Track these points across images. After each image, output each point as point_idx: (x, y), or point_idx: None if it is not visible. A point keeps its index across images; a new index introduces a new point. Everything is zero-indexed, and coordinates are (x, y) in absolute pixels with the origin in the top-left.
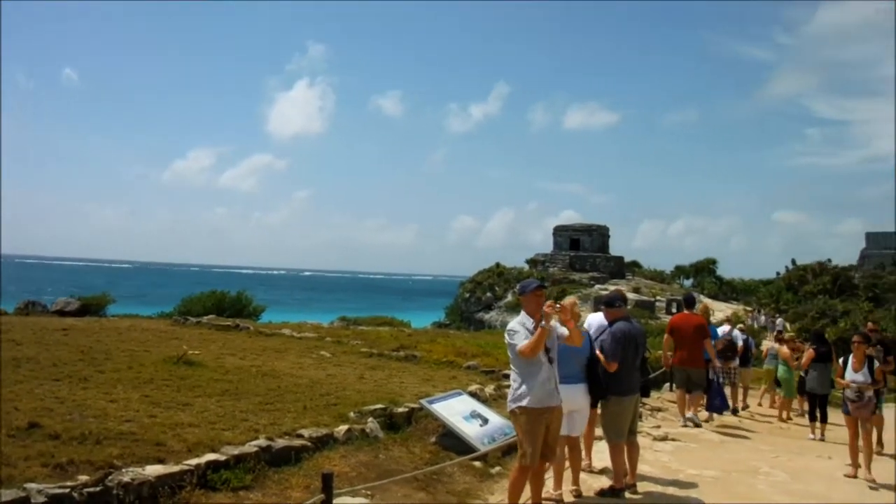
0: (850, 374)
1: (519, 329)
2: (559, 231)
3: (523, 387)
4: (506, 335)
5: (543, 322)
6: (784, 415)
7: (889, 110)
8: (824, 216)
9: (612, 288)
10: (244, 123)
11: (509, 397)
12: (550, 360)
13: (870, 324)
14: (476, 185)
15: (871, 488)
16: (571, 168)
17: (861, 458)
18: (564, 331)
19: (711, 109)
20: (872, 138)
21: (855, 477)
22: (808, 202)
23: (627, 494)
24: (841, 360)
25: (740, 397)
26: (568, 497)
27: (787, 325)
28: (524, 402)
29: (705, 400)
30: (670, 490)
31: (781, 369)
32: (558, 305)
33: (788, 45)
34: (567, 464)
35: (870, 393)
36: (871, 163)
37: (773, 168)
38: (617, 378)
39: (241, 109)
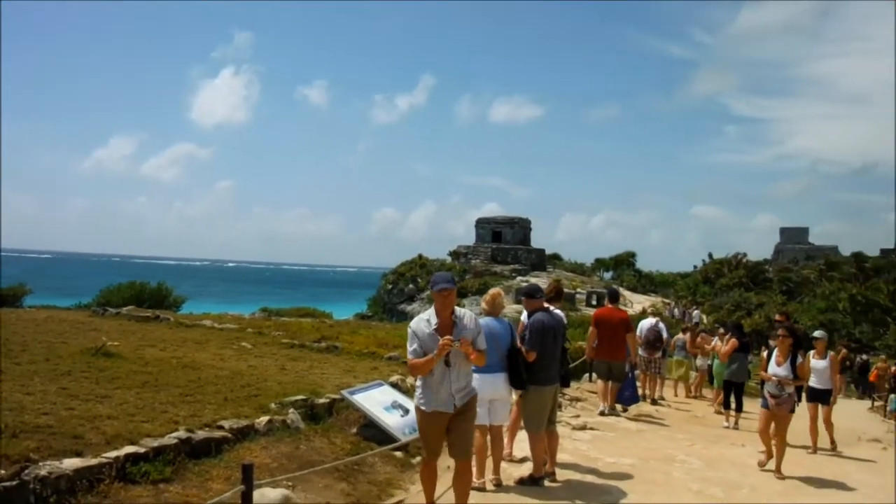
0: (772, 368)
1: (418, 333)
2: (481, 223)
3: (419, 388)
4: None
5: (435, 352)
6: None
7: (803, 109)
8: (740, 211)
9: (533, 280)
10: (167, 111)
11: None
12: (448, 363)
13: (778, 315)
14: (400, 176)
15: (778, 478)
16: (495, 161)
17: (775, 453)
18: (480, 345)
19: (634, 106)
20: (787, 136)
21: (766, 465)
22: (725, 197)
23: (547, 483)
24: (765, 353)
25: (658, 387)
26: (489, 486)
27: (704, 317)
28: (419, 403)
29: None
30: (588, 478)
31: (716, 363)
32: (457, 343)
33: (710, 44)
34: (488, 453)
35: (790, 389)
36: (785, 160)
37: (692, 164)
38: (537, 368)
39: (165, 97)
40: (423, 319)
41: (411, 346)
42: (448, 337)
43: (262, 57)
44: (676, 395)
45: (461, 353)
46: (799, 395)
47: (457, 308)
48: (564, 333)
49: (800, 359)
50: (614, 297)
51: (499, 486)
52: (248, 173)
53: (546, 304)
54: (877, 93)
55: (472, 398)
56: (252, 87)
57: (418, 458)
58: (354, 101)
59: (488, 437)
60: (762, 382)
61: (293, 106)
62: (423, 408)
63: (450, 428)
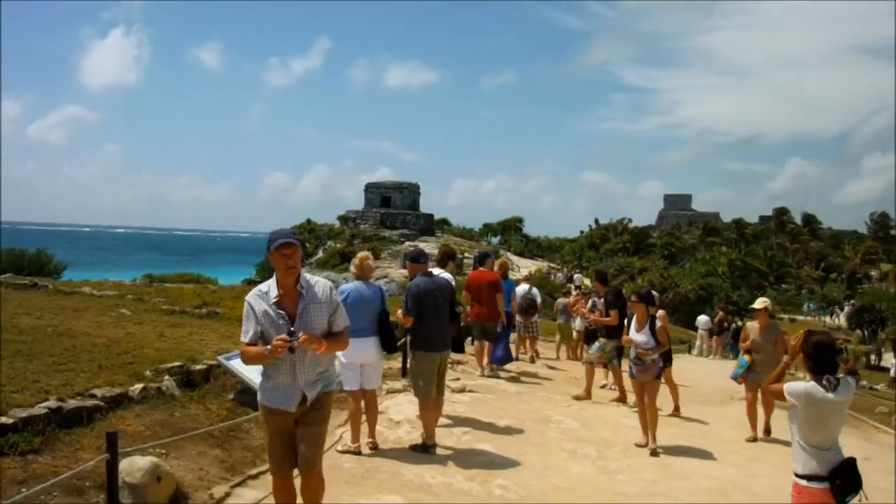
0: (632, 334)
1: (255, 309)
2: (371, 188)
3: (264, 377)
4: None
5: (269, 348)
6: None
7: (690, 80)
8: (628, 178)
9: (422, 245)
10: (55, 73)
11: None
12: (292, 349)
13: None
14: (292, 141)
15: (652, 455)
16: (388, 126)
17: (648, 422)
18: (340, 325)
19: (529, 74)
20: (675, 106)
21: (646, 446)
22: (614, 165)
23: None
24: (626, 321)
25: (530, 345)
26: (365, 450)
27: (586, 281)
28: (259, 396)
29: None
30: (464, 440)
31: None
32: (296, 342)
33: (605, 15)
34: (363, 418)
35: (654, 356)
36: (671, 129)
37: (582, 131)
38: (419, 333)
39: (52, 58)
40: (261, 292)
41: (246, 327)
42: (282, 337)
43: (154, 18)
44: (558, 358)
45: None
46: (668, 360)
47: (306, 275)
48: (451, 297)
49: (658, 323)
50: (482, 261)
51: (375, 448)
52: (138, 137)
53: (434, 269)
54: (761, 66)
55: (328, 395)
56: (143, 49)
57: None
58: (248, 64)
59: (361, 402)
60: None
61: (185, 68)
62: (263, 402)
63: (299, 431)
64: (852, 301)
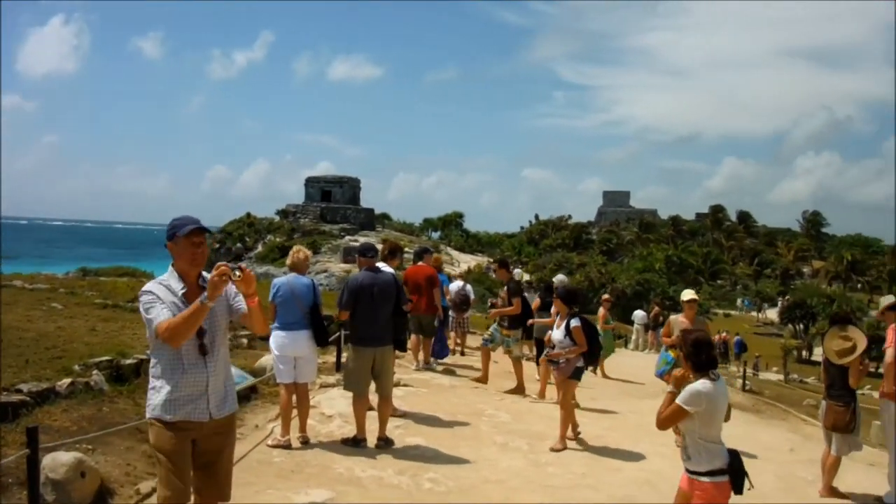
0: (553, 332)
1: (159, 295)
2: (311, 182)
3: (161, 384)
4: (140, 304)
5: (206, 295)
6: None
7: (630, 79)
8: (568, 174)
9: (362, 240)
10: None
11: (147, 401)
12: (204, 351)
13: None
14: (234, 134)
15: (552, 451)
16: (331, 120)
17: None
18: (242, 306)
19: (472, 70)
20: (614, 104)
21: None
22: (555, 161)
23: (370, 446)
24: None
25: (464, 342)
26: (295, 443)
27: (526, 276)
28: (154, 413)
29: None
30: (396, 433)
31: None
32: (238, 272)
33: (548, 12)
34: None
35: (570, 356)
36: (611, 127)
37: (524, 128)
38: (353, 328)
39: None
40: (160, 285)
41: (157, 309)
42: (224, 263)
43: (94, 5)
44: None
45: (221, 332)
46: (594, 361)
47: (205, 273)
48: (394, 293)
49: (574, 322)
50: (420, 256)
51: (306, 443)
52: (77, 128)
53: (381, 263)
54: (699, 67)
55: (233, 416)
56: (83, 37)
57: None
58: (191, 55)
59: (293, 395)
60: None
61: (126, 58)
62: (164, 417)
63: (199, 460)
64: (786, 297)
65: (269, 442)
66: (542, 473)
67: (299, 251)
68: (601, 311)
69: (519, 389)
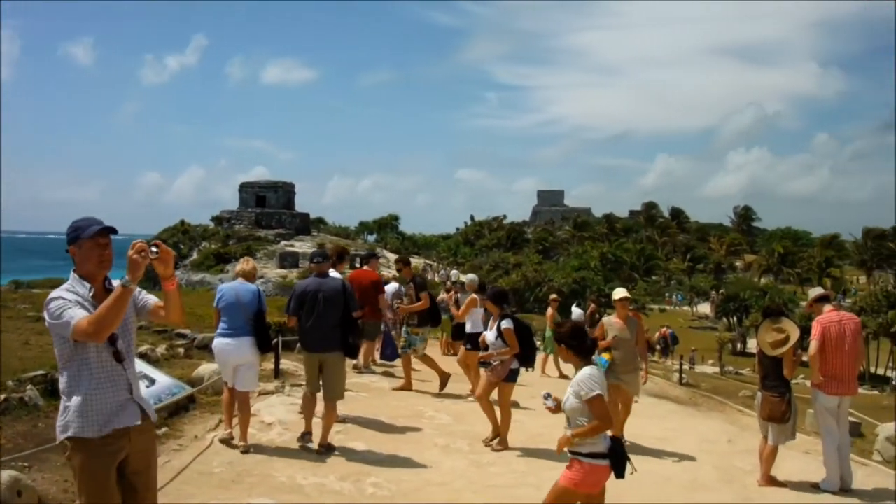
0: (486, 334)
1: (69, 299)
2: (245, 188)
3: (80, 400)
4: (45, 314)
5: (128, 276)
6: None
7: (563, 78)
8: (502, 175)
9: (298, 244)
10: None
11: (58, 421)
12: (120, 358)
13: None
14: (166, 140)
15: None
16: (264, 124)
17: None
18: (150, 301)
19: (406, 72)
20: (547, 103)
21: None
22: (489, 162)
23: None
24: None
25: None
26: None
27: (462, 277)
28: (80, 431)
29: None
30: (337, 438)
31: (547, 329)
32: (154, 248)
33: (480, 14)
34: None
35: (503, 358)
36: (544, 126)
37: (458, 129)
38: (300, 333)
39: None
40: (68, 292)
41: (71, 311)
42: (140, 241)
43: (21, 10)
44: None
45: (133, 336)
46: (529, 362)
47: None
48: (341, 299)
49: (505, 324)
50: (366, 260)
51: (246, 452)
52: (4, 136)
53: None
54: (630, 65)
55: (153, 425)
56: (11, 44)
57: (164, 430)
58: (122, 60)
59: (237, 402)
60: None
61: (56, 64)
62: (91, 434)
63: (128, 477)
64: (721, 291)
65: (219, 438)
66: (485, 474)
67: (248, 261)
68: (549, 310)
69: (407, 385)
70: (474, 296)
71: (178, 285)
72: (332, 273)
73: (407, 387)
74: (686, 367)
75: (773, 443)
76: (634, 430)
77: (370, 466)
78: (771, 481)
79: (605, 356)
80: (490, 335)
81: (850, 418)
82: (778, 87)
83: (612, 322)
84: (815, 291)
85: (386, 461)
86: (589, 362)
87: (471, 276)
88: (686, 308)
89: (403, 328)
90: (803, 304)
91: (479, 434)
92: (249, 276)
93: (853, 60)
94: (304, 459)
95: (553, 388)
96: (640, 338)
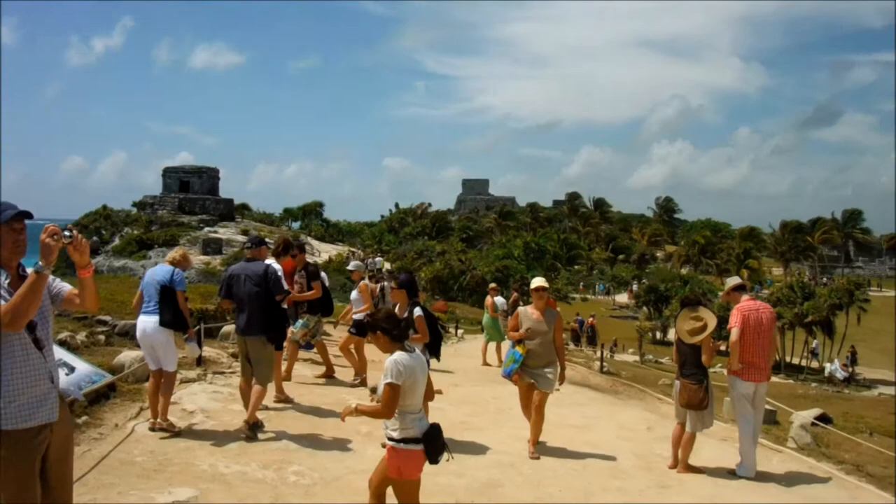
0: None
1: None
2: (169, 173)
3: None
4: None
5: (41, 262)
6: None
7: (491, 68)
8: (429, 163)
9: (221, 230)
10: None
11: None
12: (40, 345)
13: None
14: (90, 123)
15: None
16: (190, 109)
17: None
18: (64, 288)
19: (334, 59)
20: (474, 93)
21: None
22: (415, 150)
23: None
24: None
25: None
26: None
27: (387, 264)
28: (3, 423)
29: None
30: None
31: (486, 317)
32: (68, 234)
33: (417, 4)
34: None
35: (418, 346)
36: (471, 115)
37: (385, 117)
38: (237, 316)
39: None
40: None
41: None
42: (53, 225)
43: None
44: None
45: (50, 323)
46: (437, 351)
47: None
48: (268, 284)
49: (417, 311)
50: (286, 249)
51: (163, 429)
52: None
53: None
54: (557, 57)
55: (71, 415)
56: None
57: (84, 418)
58: (47, 41)
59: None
60: None
61: None
62: (14, 426)
63: (48, 467)
64: (643, 280)
65: (147, 428)
66: None
67: (178, 250)
68: (489, 298)
69: (329, 371)
70: (364, 283)
71: (94, 273)
72: (275, 264)
73: (329, 373)
74: (607, 355)
75: (691, 430)
76: (556, 418)
77: (292, 454)
78: (688, 468)
79: (519, 349)
80: None
81: (767, 406)
82: (702, 80)
83: (527, 313)
84: (732, 281)
85: (308, 449)
86: (399, 347)
87: (355, 262)
88: (608, 297)
89: (300, 322)
90: (721, 294)
91: None
92: (176, 265)
93: (775, 56)
94: (226, 447)
95: (477, 377)
96: (558, 330)
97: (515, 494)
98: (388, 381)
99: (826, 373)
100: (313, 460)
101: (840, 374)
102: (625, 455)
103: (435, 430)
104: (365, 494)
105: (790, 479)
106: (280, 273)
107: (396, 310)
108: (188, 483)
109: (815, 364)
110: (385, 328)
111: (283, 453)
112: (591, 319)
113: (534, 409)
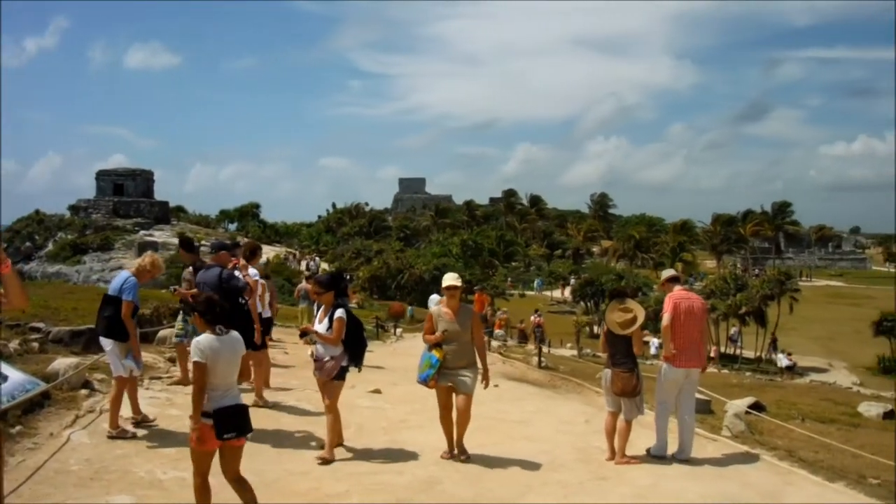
0: (316, 325)
1: None
2: (102, 176)
3: None
4: None
5: None
6: None
7: (426, 67)
8: (365, 163)
9: (157, 233)
10: None
11: None
12: None
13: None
14: (21, 126)
15: (323, 463)
16: (124, 111)
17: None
18: None
19: (270, 59)
20: (410, 91)
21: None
22: (351, 149)
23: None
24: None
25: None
26: (129, 426)
27: (324, 265)
28: None
29: None
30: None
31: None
32: None
33: (353, 3)
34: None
35: (335, 352)
36: (407, 114)
37: (320, 117)
38: None
39: None
40: None
41: None
42: None
43: None
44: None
45: None
46: (358, 360)
47: None
48: (223, 288)
49: (339, 313)
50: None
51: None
52: None
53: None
54: (492, 55)
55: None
56: None
57: (18, 428)
58: None
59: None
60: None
61: None
62: None
63: None
64: (582, 275)
65: (110, 433)
66: (346, 462)
67: (144, 257)
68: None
69: (183, 380)
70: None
71: (13, 268)
72: (250, 270)
73: (183, 381)
74: (545, 350)
75: (627, 418)
76: (495, 413)
77: None
78: (626, 458)
79: (436, 353)
80: (321, 328)
81: (701, 396)
82: (636, 78)
83: (440, 313)
84: (667, 273)
85: (247, 453)
86: (211, 330)
87: (317, 260)
88: (546, 293)
89: (179, 318)
90: (656, 287)
91: (342, 422)
92: (142, 273)
93: (706, 54)
94: (163, 453)
95: (414, 375)
96: (477, 328)
97: (455, 491)
98: (195, 359)
99: (780, 364)
100: (251, 463)
101: (784, 363)
102: (564, 448)
103: (232, 409)
104: (305, 496)
105: (725, 466)
106: (236, 273)
107: (321, 312)
108: (125, 490)
109: (735, 351)
110: (201, 311)
111: None
112: (538, 318)
113: (459, 414)
